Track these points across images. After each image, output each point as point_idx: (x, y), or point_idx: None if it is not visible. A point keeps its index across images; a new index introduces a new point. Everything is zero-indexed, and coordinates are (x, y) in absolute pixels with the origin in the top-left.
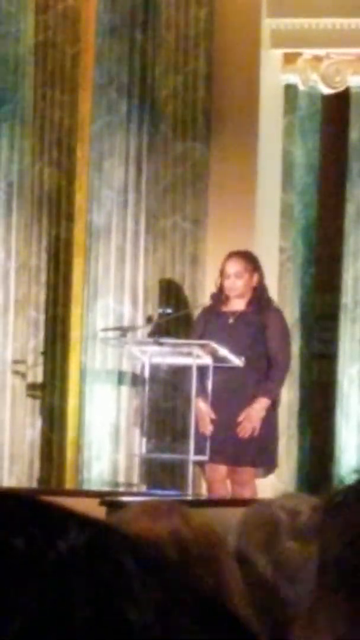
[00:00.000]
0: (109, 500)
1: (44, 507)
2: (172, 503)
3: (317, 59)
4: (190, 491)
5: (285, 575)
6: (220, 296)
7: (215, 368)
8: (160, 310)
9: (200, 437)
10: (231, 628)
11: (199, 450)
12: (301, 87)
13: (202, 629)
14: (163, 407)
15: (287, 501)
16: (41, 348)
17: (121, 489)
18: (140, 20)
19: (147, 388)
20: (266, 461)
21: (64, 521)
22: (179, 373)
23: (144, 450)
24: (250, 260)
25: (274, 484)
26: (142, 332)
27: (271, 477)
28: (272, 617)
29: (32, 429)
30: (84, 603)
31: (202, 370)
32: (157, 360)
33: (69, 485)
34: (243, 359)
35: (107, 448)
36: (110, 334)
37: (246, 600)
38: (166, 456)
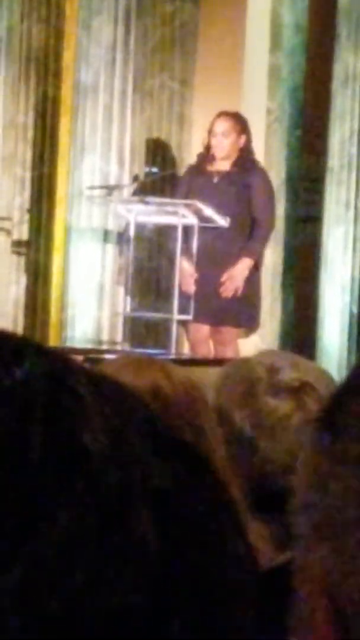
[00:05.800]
0: (93, 357)
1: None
2: (154, 358)
3: None
4: (173, 350)
5: (264, 431)
6: (207, 156)
7: (199, 228)
8: (147, 170)
9: (184, 297)
10: (185, 455)
11: (182, 310)
12: None
13: (154, 454)
14: (147, 266)
15: (266, 358)
16: (27, 205)
17: (104, 347)
18: None
19: (132, 247)
20: (248, 321)
21: (21, 349)
22: (164, 232)
23: (128, 308)
24: (239, 121)
25: (257, 345)
26: (128, 190)
27: (254, 338)
28: (251, 472)
29: (16, 286)
30: (38, 427)
31: (186, 230)
32: (143, 219)
33: (52, 342)
34: (228, 219)
35: (91, 306)
36: (96, 192)
37: (226, 455)
38: (150, 315)
